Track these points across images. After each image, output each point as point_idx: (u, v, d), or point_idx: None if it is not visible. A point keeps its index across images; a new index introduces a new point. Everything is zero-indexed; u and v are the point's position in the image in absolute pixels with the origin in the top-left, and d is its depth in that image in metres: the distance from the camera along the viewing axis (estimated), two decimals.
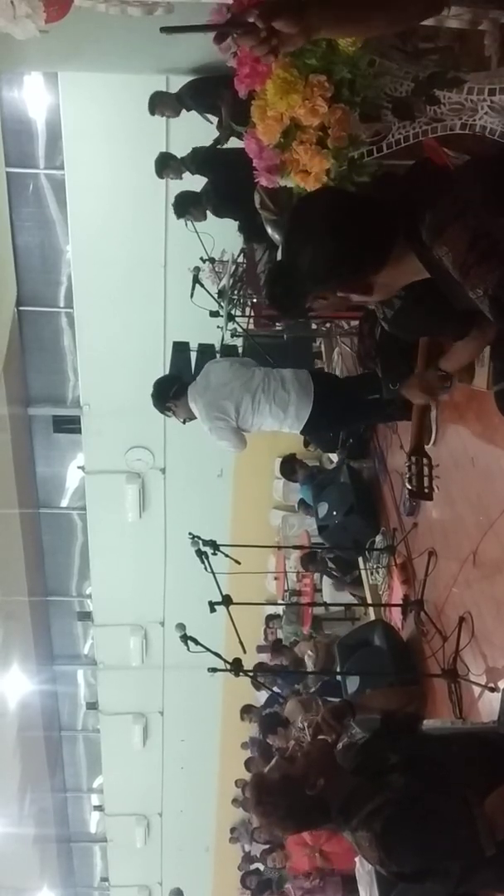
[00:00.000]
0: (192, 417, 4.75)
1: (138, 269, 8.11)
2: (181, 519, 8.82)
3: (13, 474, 9.53)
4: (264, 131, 2.48)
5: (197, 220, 6.15)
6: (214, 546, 4.79)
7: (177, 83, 6.28)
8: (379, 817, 2.19)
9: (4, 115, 7.49)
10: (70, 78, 7.10)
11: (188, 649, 4.32)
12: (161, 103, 6.20)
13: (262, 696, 9.23)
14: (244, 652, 4.67)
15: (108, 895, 15.10)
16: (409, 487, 2.98)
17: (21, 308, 8.57)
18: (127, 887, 14.08)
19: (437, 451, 4.26)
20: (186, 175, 6.27)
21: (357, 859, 4.45)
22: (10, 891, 13.05)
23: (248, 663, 5.56)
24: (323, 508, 6.22)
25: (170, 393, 4.76)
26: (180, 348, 6.98)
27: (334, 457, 7.13)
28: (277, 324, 6.02)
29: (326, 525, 6.22)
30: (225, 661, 4.33)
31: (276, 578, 8.99)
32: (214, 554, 4.77)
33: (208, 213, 6.20)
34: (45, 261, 8.45)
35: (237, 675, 4.40)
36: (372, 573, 5.80)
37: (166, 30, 1.63)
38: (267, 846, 8.63)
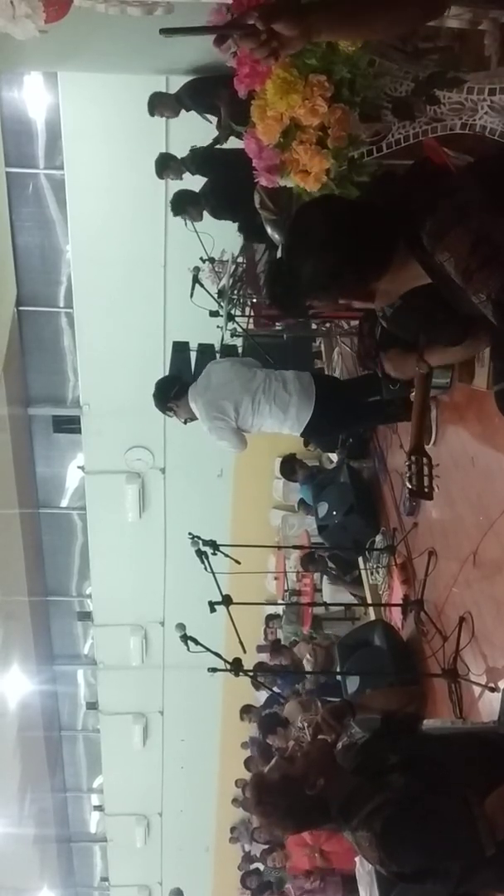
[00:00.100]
0: (193, 418, 4.75)
1: (138, 269, 8.11)
2: (181, 519, 8.82)
3: (13, 474, 9.53)
4: (264, 131, 2.48)
5: (193, 219, 6.15)
6: (214, 546, 4.79)
7: (176, 83, 6.28)
8: (379, 817, 2.19)
9: (4, 115, 7.49)
10: (70, 78, 7.10)
11: (188, 649, 4.32)
12: (160, 104, 6.20)
13: (261, 696, 9.23)
14: (244, 652, 4.67)
15: (108, 895, 15.10)
16: (410, 487, 2.98)
17: (21, 308, 8.57)
18: (127, 887, 14.08)
19: (437, 451, 4.26)
20: (186, 175, 6.27)
21: (357, 859, 4.45)
22: (10, 891, 13.05)
23: (248, 663, 5.56)
24: (323, 508, 6.21)
25: (171, 393, 4.76)
26: (180, 348, 6.98)
27: (334, 457, 7.13)
28: (277, 324, 6.02)
29: (326, 525, 6.22)
30: (225, 661, 4.33)
31: (276, 578, 8.99)
32: (214, 554, 4.77)
33: (205, 213, 6.21)
34: (45, 261, 8.45)
35: (237, 675, 4.40)
36: (372, 573, 5.80)
37: (166, 31, 1.62)
38: (267, 846, 8.63)
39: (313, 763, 2.39)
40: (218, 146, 5.88)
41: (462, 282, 1.59)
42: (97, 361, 8.68)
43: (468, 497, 4.09)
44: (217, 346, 6.42)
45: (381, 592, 5.66)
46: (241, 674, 4.44)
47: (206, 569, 4.68)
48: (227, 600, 4.60)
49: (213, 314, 6.03)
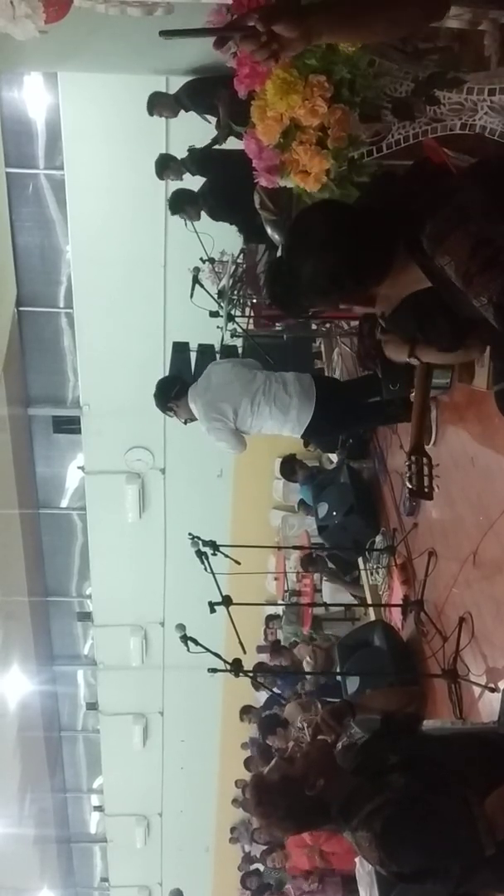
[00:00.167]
0: (192, 418, 4.75)
1: (138, 269, 8.11)
2: (181, 519, 8.82)
3: (13, 474, 9.53)
4: (264, 131, 2.48)
5: (191, 218, 6.15)
6: (214, 546, 4.79)
7: (176, 83, 6.28)
8: (379, 817, 2.19)
9: (4, 115, 7.50)
10: (70, 78, 7.11)
11: (188, 650, 4.32)
12: (159, 104, 6.20)
13: (261, 697, 9.23)
14: (244, 652, 4.67)
15: (107, 895, 15.10)
16: (410, 487, 2.98)
17: (21, 308, 8.57)
18: (127, 887, 14.08)
19: (437, 451, 4.26)
20: (186, 176, 6.27)
21: (357, 859, 4.45)
22: (10, 891, 13.05)
23: (248, 663, 5.56)
24: (323, 509, 6.22)
25: (171, 393, 4.76)
26: (180, 348, 6.98)
27: (334, 457, 7.13)
28: (277, 324, 6.02)
29: (326, 525, 6.22)
30: (225, 661, 4.33)
31: (276, 579, 8.98)
32: (214, 554, 4.77)
33: (204, 213, 6.21)
34: (45, 261, 8.45)
35: (237, 675, 4.39)
36: (372, 573, 5.80)
37: (165, 34, 1.61)
38: (266, 846, 8.63)
39: (313, 764, 2.39)
40: (217, 146, 5.88)
41: (463, 285, 1.58)
42: (97, 362, 8.68)
43: (468, 497, 4.09)
44: (217, 347, 6.42)
45: (381, 593, 5.66)
46: (240, 674, 4.44)
47: (206, 569, 4.68)
48: (227, 601, 4.59)
49: (213, 314, 6.03)
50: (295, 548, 7.84)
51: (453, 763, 2.34)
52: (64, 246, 8.30)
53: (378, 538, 5.72)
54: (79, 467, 9.61)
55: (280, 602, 8.74)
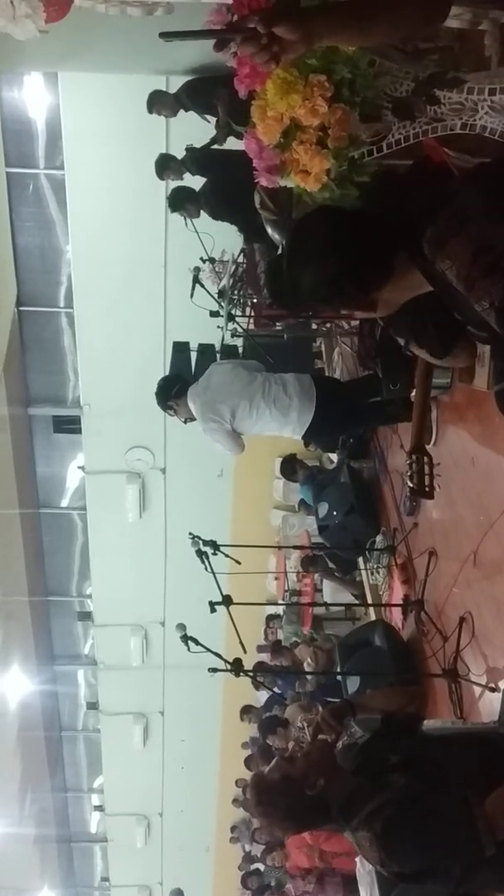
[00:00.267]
0: (192, 418, 4.75)
1: (138, 269, 8.11)
2: (181, 519, 8.82)
3: (13, 474, 9.53)
4: (264, 131, 2.48)
5: (191, 216, 6.15)
6: (215, 546, 4.79)
7: (176, 83, 6.28)
8: (379, 817, 2.19)
9: (4, 115, 7.50)
10: (70, 78, 7.11)
11: (188, 649, 4.32)
12: (159, 102, 6.20)
13: (262, 697, 9.23)
14: (244, 652, 4.67)
15: (108, 895, 15.10)
16: (410, 486, 2.99)
17: (21, 308, 8.57)
18: (127, 887, 14.08)
19: (438, 451, 4.26)
20: (186, 175, 6.27)
21: (358, 859, 4.45)
22: (10, 891, 13.05)
23: (249, 663, 5.56)
24: (323, 508, 6.22)
25: (171, 392, 4.76)
26: (180, 348, 6.98)
27: (334, 457, 7.13)
28: (277, 324, 6.02)
29: (327, 525, 6.22)
30: (225, 661, 4.33)
31: (276, 578, 8.99)
32: (215, 554, 4.77)
33: (205, 213, 6.21)
34: (45, 261, 8.45)
35: (237, 675, 4.40)
36: (372, 573, 5.80)
37: (165, 36, 1.60)
38: (266, 845, 8.63)
39: (313, 763, 2.39)
40: (216, 146, 5.88)
41: (464, 290, 1.58)
42: (97, 361, 8.68)
43: (468, 497, 4.09)
44: (217, 347, 6.42)
45: (381, 592, 5.66)
46: (241, 674, 4.44)
47: (206, 569, 4.68)
48: (227, 600, 4.59)
49: (214, 314, 6.03)
50: (295, 547, 7.85)
51: (454, 763, 2.34)
52: (64, 246, 8.30)
53: (378, 538, 5.72)
54: (79, 467, 9.61)
55: (280, 602, 8.74)
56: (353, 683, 5.15)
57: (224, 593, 4.63)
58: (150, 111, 6.24)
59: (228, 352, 6.38)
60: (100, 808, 13.78)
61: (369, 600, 5.87)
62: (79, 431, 9.25)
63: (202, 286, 6.12)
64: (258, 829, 8.58)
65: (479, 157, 2.16)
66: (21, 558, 10.44)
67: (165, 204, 6.48)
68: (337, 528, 6.10)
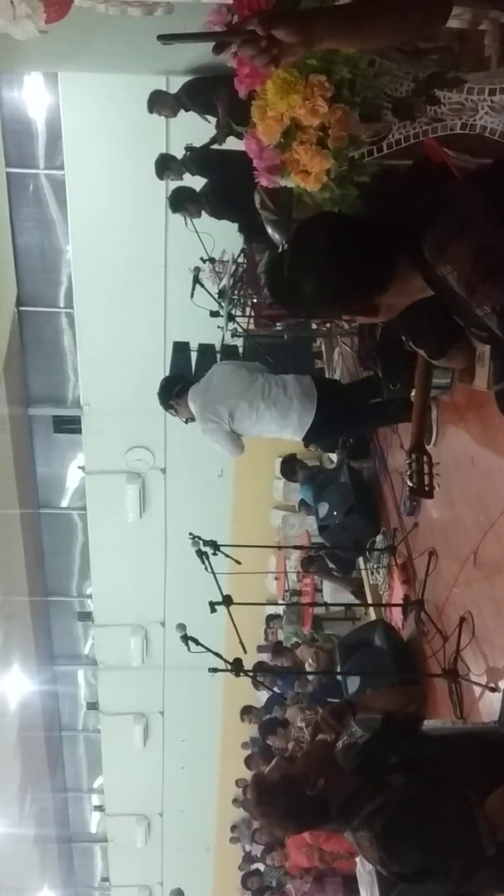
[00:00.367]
0: (193, 418, 4.76)
1: (138, 269, 8.11)
2: (181, 519, 8.82)
3: (13, 474, 9.53)
4: (264, 131, 2.48)
5: (192, 216, 6.16)
6: (215, 546, 4.79)
7: (176, 83, 6.28)
8: (379, 817, 2.19)
9: (4, 115, 7.50)
10: (70, 78, 7.11)
11: (189, 649, 4.32)
12: (159, 102, 6.21)
13: (262, 697, 9.23)
14: (245, 652, 4.67)
15: (108, 895, 15.10)
16: (410, 485, 2.99)
17: (21, 308, 8.57)
18: (127, 887, 14.08)
19: (438, 451, 4.26)
20: (186, 175, 6.27)
21: (358, 859, 4.45)
22: (10, 891, 13.05)
23: (249, 663, 5.56)
24: (323, 508, 6.21)
25: (172, 391, 4.76)
26: (180, 348, 6.98)
27: (334, 457, 7.13)
28: (277, 324, 6.02)
29: (327, 525, 6.22)
30: (225, 661, 4.33)
31: (276, 578, 8.98)
32: (215, 554, 4.77)
33: (205, 213, 6.21)
34: (45, 261, 8.45)
35: (238, 675, 4.40)
36: (372, 573, 5.80)
37: (164, 38, 1.59)
38: (266, 845, 8.64)
39: (314, 763, 2.39)
40: (215, 145, 5.88)
41: (465, 294, 1.58)
42: (97, 361, 8.68)
43: (468, 497, 4.09)
44: (218, 347, 6.42)
45: (381, 592, 5.66)
46: (241, 674, 4.44)
47: (206, 569, 4.68)
48: (227, 600, 4.59)
49: (214, 314, 6.03)
50: (295, 547, 7.84)
51: (454, 763, 2.34)
52: (64, 246, 8.30)
53: (378, 538, 5.72)
54: (79, 467, 9.61)
55: (281, 602, 8.74)
56: (353, 683, 5.15)
57: (224, 593, 4.63)
58: (151, 111, 6.24)
59: (228, 352, 6.38)
60: (100, 808, 13.78)
61: (369, 600, 5.87)
62: (79, 431, 9.25)
63: (202, 286, 6.12)
64: (258, 830, 8.59)
65: (479, 157, 2.16)
66: (21, 558, 10.44)
67: (165, 204, 6.49)
68: (337, 528, 6.10)
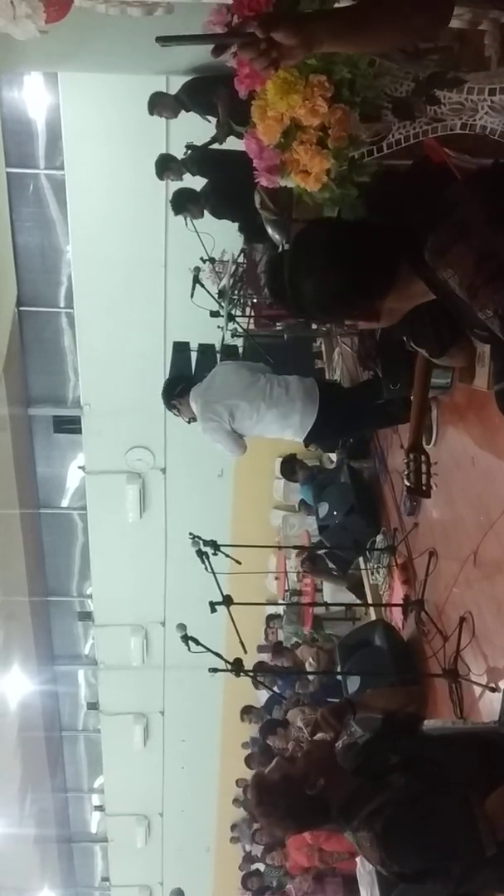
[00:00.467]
0: (195, 418, 4.75)
1: (138, 269, 8.12)
2: (181, 519, 8.83)
3: (13, 474, 9.54)
4: (264, 131, 2.48)
5: (194, 217, 6.16)
6: (215, 546, 4.78)
7: (176, 83, 6.29)
8: (380, 817, 2.19)
9: (4, 115, 7.50)
10: (70, 78, 7.11)
11: (189, 649, 4.32)
12: (160, 104, 6.21)
13: (262, 696, 9.23)
14: (245, 652, 4.67)
15: (108, 895, 15.11)
16: (408, 485, 2.99)
17: (21, 308, 8.58)
18: (128, 887, 14.09)
19: (438, 452, 4.26)
20: (186, 175, 6.28)
21: (358, 859, 4.45)
22: (10, 891, 13.06)
23: (249, 663, 5.56)
24: (323, 508, 6.21)
25: (174, 391, 4.76)
26: (180, 348, 6.98)
27: (334, 456, 7.13)
28: (278, 324, 6.03)
29: (327, 525, 6.21)
30: (226, 661, 4.33)
31: (276, 578, 8.99)
32: (215, 554, 4.77)
33: (206, 212, 6.21)
34: (45, 261, 8.46)
35: (238, 675, 4.40)
36: (372, 573, 5.79)
37: (163, 40, 1.58)
38: (266, 845, 8.64)
39: (314, 763, 2.39)
40: (215, 145, 5.88)
41: (467, 298, 1.58)
42: (97, 361, 8.69)
43: (468, 497, 4.09)
44: (218, 347, 6.42)
45: (381, 592, 5.66)
46: (241, 674, 4.44)
47: (206, 569, 4.68)
48: (227, 600, 4.59)
49: (214, 314, 6.03)
50: (295, 547, 7.84)
51: (454, 763, 2.34)
52: (64, 246, 8.31)
53: (378, 538, 5.72)
54: (79, 467, 9.62)
55: (281, 602, 8.75)
56: (353, 683, 5.14)
57: (224, 593, 4.63)
58: (152, 113, 6.25)
59: (228, 352, 6.38)
60: (100, 808, 13.79)
61: (369, 600, 5.87)
62: (79, 431, 9.26)
63: (202, 286, 6.12)
64: (259, 830, 8.59)
65: (479, 157, 2.16)
66: (21, 558, 10.44)
67: (166, 204, 6.49)
68: (337, 528, 6.10)
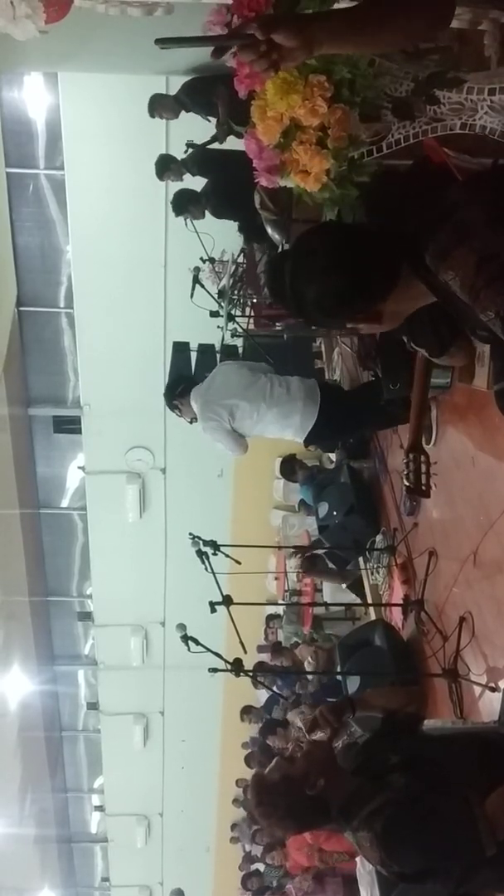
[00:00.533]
0: (197, 418, 4.76)
1: (138, 269, 8.12)
2: (181, 519, 8.83)
3: (13, 474, 9.54)
4: (264, 131, 2.48)
5: (195, 217, 6.16)
6: (215, 546, 4.79)
7: (176, 84, 6.29)
8: (380, 817, 2.19)
9: (4, 115, 7.50)
10: (70, 78, 7.11)
11: (189, 649, 4.32)
12: (160, 105, 6.22)
13: (262, 696, 9.23)
14: (245, 652, 4.67)
15: (108, 895, 15.11)
16: (408, 485, 2.99)
17: (21, 308, 8.58)
18: (128, 887, 14.09)
19: (438, 451, 4.26)
20: (186, 176, 6.28)
21: (358, 859, 4.45)
22: (11, 891, 13.06)
23: (249, 663, 5.56)
24: (323, 508, 6.21)
25: (176, 391, 4.76)
26: (180, 348, 6.99)
27: (334, 456, 7.13)
28: (277, 324, 6.02)
29: (327, 525, 6.21)
30: (225, 661, 4.33)
31: (276, 578, 8.99)
32: (215, 554, 4.77)
33: (207, 212, 6.21)
34: (45, 261, 8.46)
35: (238, 675, 4.39)
36: (372, 573, 5.79)
37: (162, 43, 1.57)
38: (266, 845, 8.64)
39: (314, 763, 2.39)
40: (215, 144, 5.88)
41: (469, 300, 1.57)
42: (97, 362, 8.69)
43: (468, 497, 4.09)
44: (218, 347, 6.42)
45: (381, 592, 5.66)
46: (241, 674, 4.44)
47: (206, 569, 4.68)
48: (227, 600, 4.59)
49: (214, 314, 6.03)
50: (295, 547, 7.84)
51: (454, 763, 2.34)
52: (64, 246, 8.31)
53: (378, 538, 5.71)
54: (79, 467, 9.62)
55: (281, 602, 8.74)
56: (353, 683, 5.14)
57: (224, 593, 4.63)
58: (152, 115, 6.25)
59: (228, 352, 6.38)
60: (100, 808, 13.79)
61: (369, 600, 5.86)
62: (79, 431, 9.26)
63: (202, 286, 6.13)
64: (259, 830, 8.59)
65: (479, 157, 2.16)
66: (21, 558, 10.44)
67: (166, 204, 6.49)
68: (337, 529, 6.10)
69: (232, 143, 5.56)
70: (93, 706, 12.15)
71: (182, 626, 4.37)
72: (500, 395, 2.60)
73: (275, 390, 4.56)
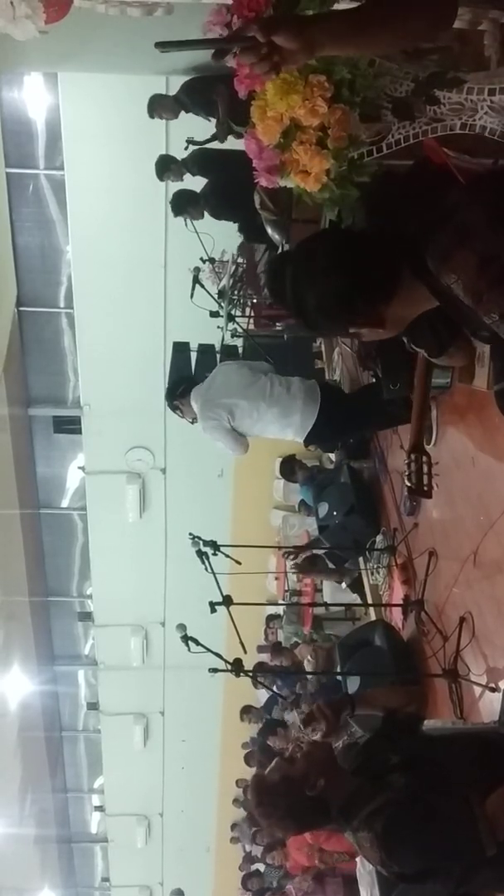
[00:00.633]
0: (197, 418, 4.76)
1: (138, 269, 8.12)
2: (181, 519, 8.83)
3: (13, 475, 9.54)
4: (264, 132, 2.48)
5: (194, 218, 6.16)
6: (215, 546, 4.78)
7: (176, 83, 6.29)
8: (380, 818, 2.19)
9: (4, 115, 7.50)
10: (70, 78, 7.11)
11: (189, 650, 4.32)
12: (160, 106, 6.21)
13: (262, 696, 9.23)
14: (245, 652, 4.66)
15: (108, 895, 15.11)
16: (409, 485, 2.99)
17: (21, 308, 8.58)
18: (128, 887, 14.09)
19: (438, 451, 4.26)
20: (186, 176, 6.28)
21: (358, 859, 4.45)
22: (11, 891, 13.06)
23: (249, 663, 5.55)
24: (323, 508, 6.21)
25: (177, 392, 4.76)
26: (180, 348, 6.99)
27: (334, 457, 7.13)
28: (277, 324, 6.03)
29: (327, 525, 6.21)
30: (226, 661, 4.33)
31: (276, 578, 8.99)
32: (215, 554, 4.77)
33: (206, 213, 6.22)
34: (45, 261, 8.46)
35: (238, 675, 4.39)
36: (372, 573, 5.79)
37: (162, 46, 1.57)
38: (266, 845, 8.64)
39: (314, 763, 2.39)
40: (215, 144, 5.88)
41: (472, 303, 1.57)
42: (97, 362, 8.69)
43: (469, 497, 4.09)
44: (217, 347, 6.42)
45: (381, 592, 5.65)
46: (241, 674, 4.43)
47: (206, 569, 4.68)
48: (227, 600, 4.59)
49: (214, 314, 6.04)
50: (295, 547, 7.84)
51: (454, 763, 2.34)
52: (64, 246, 8.31)
53: (378, 538, 5.71)
54: (79, 467, 9.62)
55: (281, 602, 8.74)
56: (353, 683, 5.14)
57: (224, 593, 4.62)
58: (152, 116, 6.25)
59: (228, 352, 6.38)
60: (100, 808, 13.79)
61: (369, 600, 5.86)
62: (79, 432, 9.26)
63: (202, 286, 6.13)
64: (259, 831, 8.59)
65: (479, 157, 2.16)
66: (21, 558, 10.44)
67: (166, 204, 6.49)
68: (337, 528, 6.09)
69: (232, 144, 5.56)
70: (93, 706, 12.15)
71: (182, 627, 4.37)
72: (501, 396, 2.60)
73: (275, 390, 4.56)
